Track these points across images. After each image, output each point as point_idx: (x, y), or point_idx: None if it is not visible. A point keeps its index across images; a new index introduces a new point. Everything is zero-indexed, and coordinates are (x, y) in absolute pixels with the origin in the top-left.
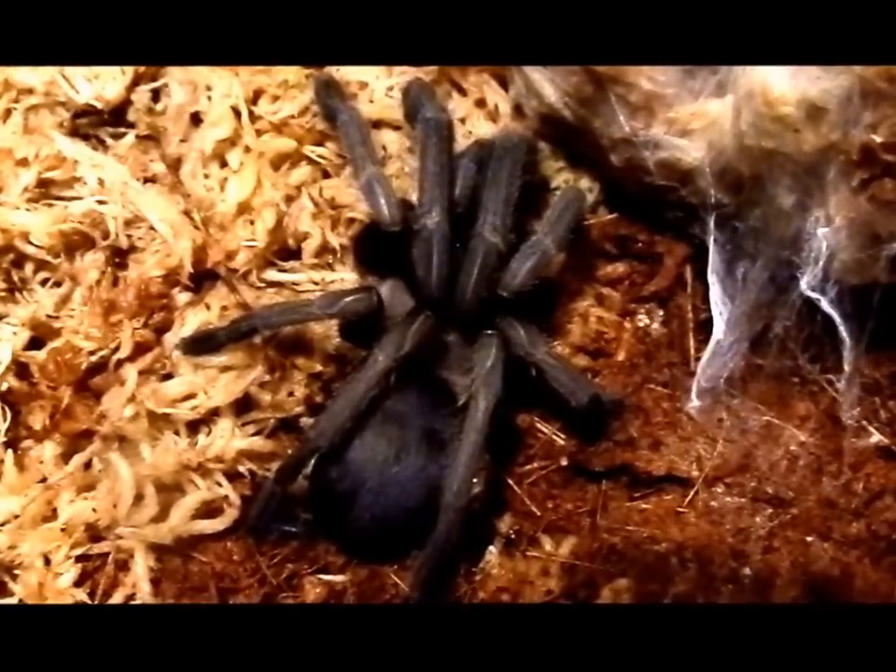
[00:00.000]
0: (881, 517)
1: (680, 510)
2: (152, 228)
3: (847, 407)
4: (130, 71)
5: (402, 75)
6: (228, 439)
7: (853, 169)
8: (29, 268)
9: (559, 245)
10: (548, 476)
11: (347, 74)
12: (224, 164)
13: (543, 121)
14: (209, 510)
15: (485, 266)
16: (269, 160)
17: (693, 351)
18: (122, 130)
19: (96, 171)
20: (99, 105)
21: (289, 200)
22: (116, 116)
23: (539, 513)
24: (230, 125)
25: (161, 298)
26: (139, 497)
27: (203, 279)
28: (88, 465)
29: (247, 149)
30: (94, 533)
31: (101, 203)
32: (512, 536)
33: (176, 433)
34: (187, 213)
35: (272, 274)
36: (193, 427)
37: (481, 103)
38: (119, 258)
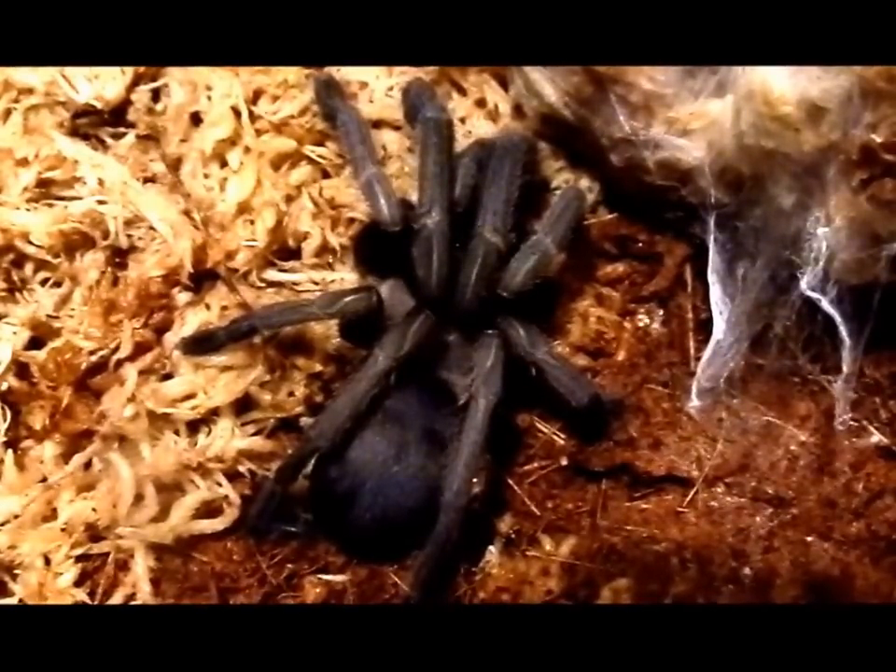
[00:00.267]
0: (881, 517)
1: (680, 509)
2: (152, 228)
3: (846, 407)
4: (130, 71)
5: (402, 75)
6: (228, 438)
7: (853, 169)
8: (29, 268)
9: (559, 245)
10: (548, 476)
11: (347, 74)
12: (224, 164)
13: (543, 121)
14: (209, 509)
15: (485, 266)
16: (269, 160)
17: (693, 351)
18: (122, 130)
19: (96, 171)
20: (99, 105)
21: (289, 200)
22: (116, 116)
23: (539, 513)
24: (230, 125)
25: (161, 298)
26: (139, 497)
27: (203, 279)
28: (88, 465)
29: (247, 149)
30: (94, 533)
31: (101, 202)
32: (512, 536)
33: (176, 433)
34: (187, 213)
35: (272, 274)
36: (193, 426)
37: (481, 102)
38: (119, 257)
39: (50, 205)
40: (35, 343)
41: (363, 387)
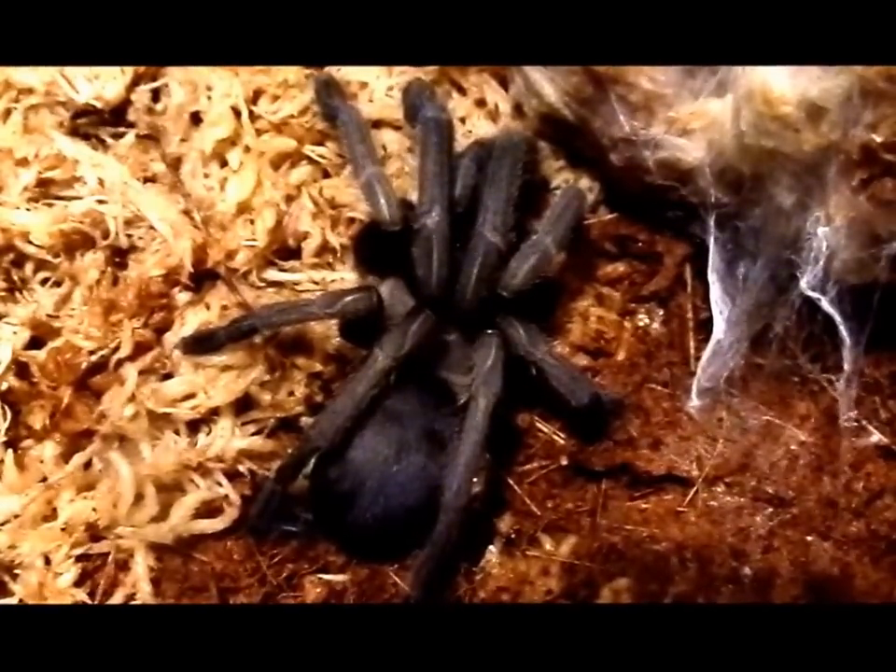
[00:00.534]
0: (881, 517)
1: (680, 509)
2: (152, 227)
3: (847, 407)
4: (130, 71)
5: (402, 74)
6: (228, 438)
7: (853, 168)
8: (29, 267)
9: (559, 245)
10: (548, 475)
11: (347, 73)
12: (224, 164)
13: (543, 121)
14: (209, 509)
15: (485, 266)
16: (269, 159)
17: (693, 350)
18: (122, 129)
19: (96, 170)
20: (99, 105)
21: (289, 199)
22: (116, 115)
23: (539, 513)
24: (230, 125)
25: (161, 297)
26: (139, 497)
27: (203, 279)
28: (88, 464)
29: (247, 149)
30: (94, 533)
31: (101, 202)
32: (512, 535)
33: (177, 433)
34: (187, 212)
35: (272, 274)
36: (193, 426)
37: (481, 102)
38: (119, 257)
39: (50, 205)
40: (36, 342)
41: (363, 387)
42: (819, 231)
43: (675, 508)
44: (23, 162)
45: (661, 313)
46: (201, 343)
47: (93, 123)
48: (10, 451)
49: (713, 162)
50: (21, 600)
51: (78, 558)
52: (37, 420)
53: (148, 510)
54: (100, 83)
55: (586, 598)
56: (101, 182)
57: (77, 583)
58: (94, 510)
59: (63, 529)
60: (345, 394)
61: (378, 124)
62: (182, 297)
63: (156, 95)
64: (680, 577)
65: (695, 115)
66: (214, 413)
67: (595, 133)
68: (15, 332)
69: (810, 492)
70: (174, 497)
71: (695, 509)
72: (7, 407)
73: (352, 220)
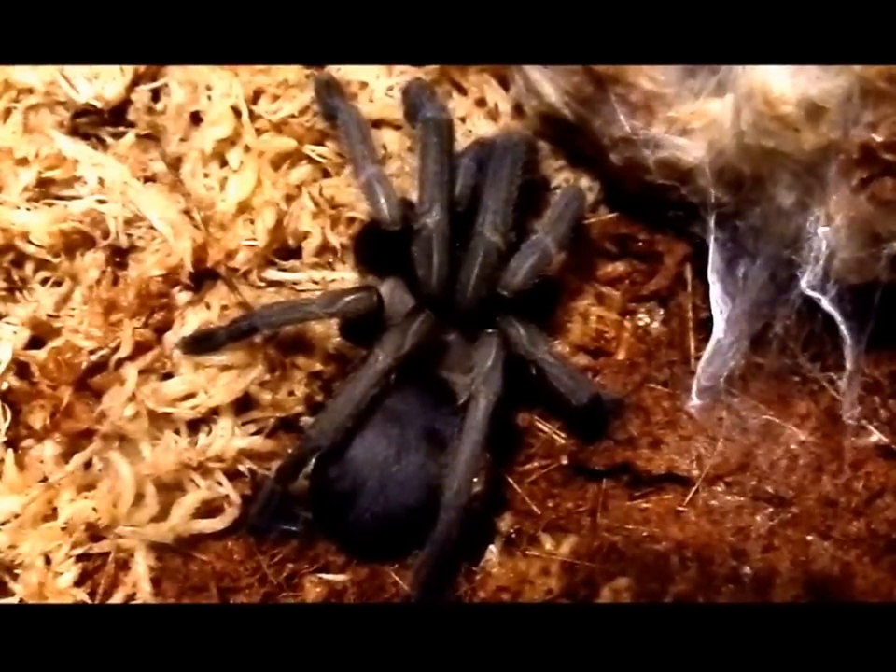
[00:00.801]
0: (881, 516)
1: (680, 509)
2: (152, 227)
3: (847, 406)
4: (130, 70)
5: (402, 74)
6: (228, 438)
7: (853, 168)
8: (29, 267)
9: (559, 245)
10: (548, 475)
11: (347, 73)
12: (224, 163)
13: (543, 121)
14: (209, 509)
15: (486, 265)
16: (269, 159)
17: (693, 350)
18: (122, 129)
19: (96, 170)
20: (99, 105)
21: (289, 199)
22: (116, 115)
23: (539, 512)
24: (230, 124)
25: (161, 297)
26: (139, 497)
27: (203, 278)
28: (88, 464)
29: (247, 149)
30: (95, 532)
31: (101, 202)
32: (513, 535)
33: (177, 432)
34: (187, 212)
35: (272, 274)
36: (194, 426)
37: (481, 102)
38: (120, 257)
39: (50, 205)
40: (36, 342)
41: (363, 387)
42: (818, 231)
43: (675, 507)
44: (23, 162)
45: (661, 312)
46: (201, 343)
47: (93, 123)
48: (10, 451)
49: (713, 162)
50: (21, 600)
51: (79, 558)
52: (38, 420)
53: (149, 509)
54: (100, 83)
55: (586, 598)
56: (101, 182)
57: (78, 583)
58: (94, 509)
59: (63, 529)
60: (345, 393)
61: (378, 124)
62: (182, 296)
63: (156, 95)
64: (680, 576)
65: (695, 114)
66: (214, 412)
67: (595, 132)
68: (15, 332)
69: (810, 491)
70: (174, 496)
71: (695, 508)
72: (7, 407)
73: (352, 220)
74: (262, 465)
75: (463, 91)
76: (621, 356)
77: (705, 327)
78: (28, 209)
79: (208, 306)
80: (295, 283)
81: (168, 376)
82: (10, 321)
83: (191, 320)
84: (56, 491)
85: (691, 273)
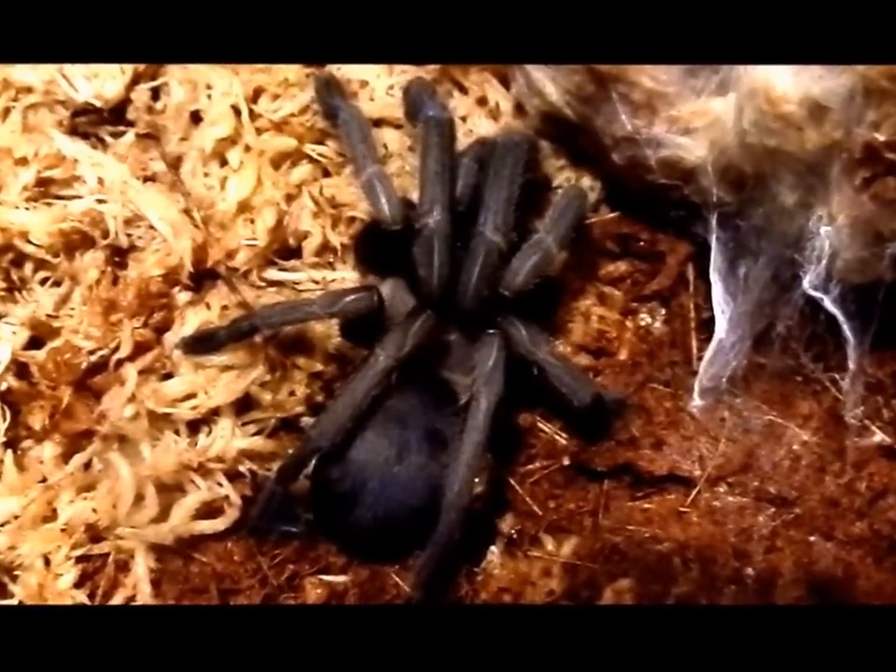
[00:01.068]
0: (884, 517)
1: (683, 509)
2: (152, 227)
3: (850, 406)
4: (129, 69)
5: (403, 73)
6: (228, 438)
7: (856, 167)
8: (28, 267)
9: (561, 244)
10: (550, 476)
11: (348, 72)
12: (224, 163)
13: (545, 120)
14: (210, 510)
15: (487, 265)
16: (269, 158)
17: (695, 350)
18: (122, 128)
19: (96, 170)
20: (98, 104)
21: (290, 198)
22: (115, 114)
23: (540, 513)
24: (230, 123)
25: (161, 297)
26: (139, 498)
27: (203, 278)
28: (88, 465)
29: (248, 148)
30: (94, 533)
31: (100, 201)
32: (514, 536)
33: (177, 433)
34: (187, 212)
35: (272, 273)
36: (194, 426)
37: (482, 101)
38: (119, 257)
39: (50, 204)
40: (35, 342)
41: (364, 387)
42: (821, 230)
43: (677, 508)
44: (23, 162)
45: (663, 312)
46: (201, 343)
47: (93, 122)
48: (10, 451)
49: (715, 161)
50: (20, 602)
51: (78, 559)
52: (37, 420)
53: (149, 510)
54: (99, 82)
55: (588, 599)
56: (100, 181)
57: (77, 585)
58: (94, 510)
59: (62, 530)
60: (346, 394)
61: (379, 123)
62: (182, 296)
63: (156, 94)
64: (683, 577)
65: (697, 113)
66: (214, 413)
67: (596, 131)
68: (14, 332)
69: (813, 492)
70: (174, 497)
71: (698, 509)
72: (6, 407)
73: (353, 219)
74: (263, 466)
75: (464, 90)
76: (622, 356)
77: (707, 327)
78: (27, 209)
79: (208, 306)
80: (295, 283)
81: (168, 376)
82: (10, 321)
83: (191, 320)
84: (56, 492)
85: (693, 272)
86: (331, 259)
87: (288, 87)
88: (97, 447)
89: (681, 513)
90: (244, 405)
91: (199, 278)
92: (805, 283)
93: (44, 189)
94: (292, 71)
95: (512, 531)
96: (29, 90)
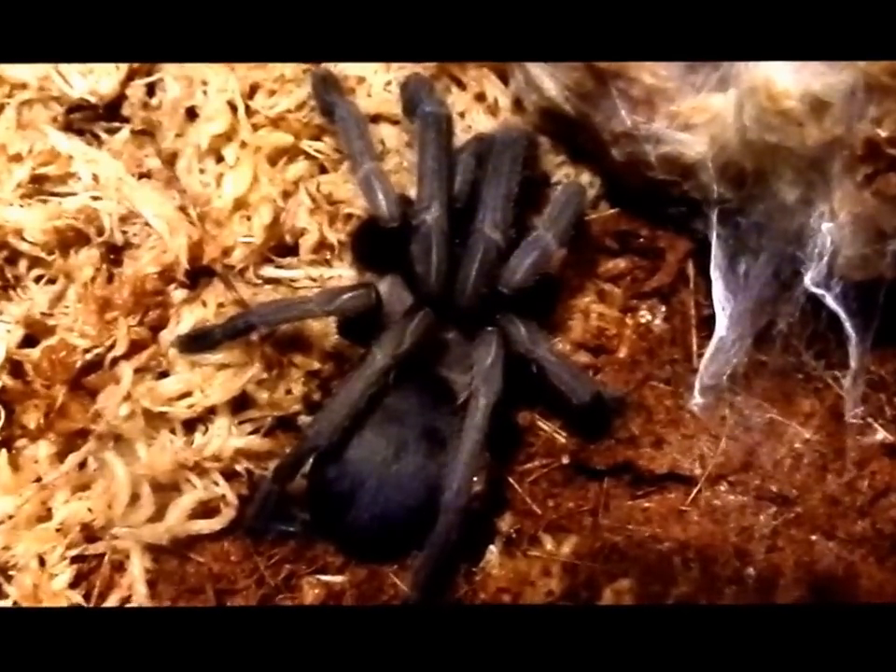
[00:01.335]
0: (886, 515)
1: (683, 508)
2: (147, 224)
3: (851, 404)
4: (124, 65)
5: (401, 69)
6: (225, 437)
7: (857, 164)
8: (23, 265)
9: (560, 241)
10: (549, 474)
11: (345, 68)
12: (220, 159)
13: (543, 116)
14: (206, 509)
15: (485, 262)
16: (265, 155)
17: (695, 347)
18: (117, 125)
19: (91, 166)
20: (93, 100)
21: (286, 195)
22: (110, 111)
23: (539, 512)
24: (226, 120)
25: (156, 295)
26: (135, 497)
27: (199, 276)
28: (83, 464)
29: (244, 144)
30: (90, 533)
31: (95, 198)
32: (513, 535)
33: (173, 432)
34: (182, 209)
35: (269, 271)
36: (190, 425)
37: (480, 97)
38: (114, 254)
39: (44, 201)
40: (29, 341)
41: (362, 385)
42: (822, 227)
43: (677, 507)
44: (17, 158)
45: (663, 309)
46: (197, 341)
47: (88, 118)
48: (4, 451)
49: (715, 157)
50: (15, 602)
51: (73, 559)
52: (32, 419)
53: (144, 510)
54: (94, 78)
55: (588, 599)
56: (95, 178)
57: (73, 585)
58: (90, 510)
59: (57, 530)
60: (344, 392)
61: (376, 119)
62: (178, 294)
63: (151, 90)
64: (683, 577)
65: (697, 109)
66: (210, 411)
67: (595, 127)
68: (9, 330)
69: (814, 490)
70: (170, 497)
71: (698, 508)
72: (0, 406)
73: (350, 216)
74: (259, 465)
75: (462, 86)
76: (622, 353)
77: (707, 324)
78: (21, 206)
79: (204, 304)
80: (292, 280)
81: (164, 375)
82: (4, 319)
83: (187, 318)
84: (50, 492)
85: (693, 269)
86: (328, 257)
87: (285, 83)
88: (92, 446)
89: (682, 512)
90: (240, 404)
91: (195, 276)
92: (807, 280)
93: (38, 186)
94: (288, 67)
95: (511, 530)
96: (23, 86)
